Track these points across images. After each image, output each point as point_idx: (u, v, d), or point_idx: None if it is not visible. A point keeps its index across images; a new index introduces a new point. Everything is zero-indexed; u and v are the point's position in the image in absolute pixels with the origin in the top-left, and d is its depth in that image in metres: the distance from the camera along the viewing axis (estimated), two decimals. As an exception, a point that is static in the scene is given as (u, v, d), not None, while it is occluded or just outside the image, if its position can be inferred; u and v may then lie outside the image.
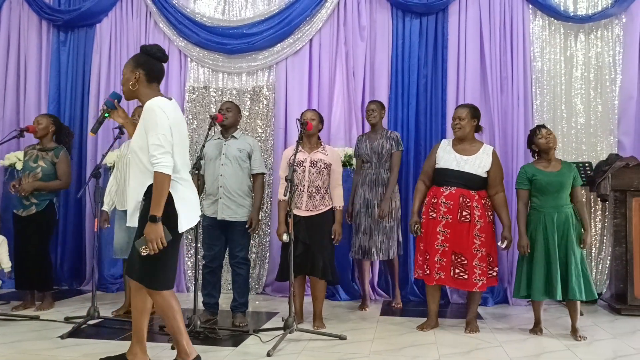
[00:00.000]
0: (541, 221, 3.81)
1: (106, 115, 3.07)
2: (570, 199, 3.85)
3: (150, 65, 2.90)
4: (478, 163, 3.91)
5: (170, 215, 2.73)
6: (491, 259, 3.92)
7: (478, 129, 4.07)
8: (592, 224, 5.05)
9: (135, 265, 2.81)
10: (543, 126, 3.97)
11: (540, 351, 3.46)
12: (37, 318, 4.14)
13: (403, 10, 5.32)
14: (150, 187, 2.73)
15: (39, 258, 4.47)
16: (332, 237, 4.02)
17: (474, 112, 4.01)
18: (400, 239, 4.68)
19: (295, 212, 3.87)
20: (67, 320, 4.07)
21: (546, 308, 4.43)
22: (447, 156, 3.98)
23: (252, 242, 5.38)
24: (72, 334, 3.66)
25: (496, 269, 3.97)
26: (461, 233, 3.84)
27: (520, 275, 3.88)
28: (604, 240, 5.05)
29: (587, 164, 4.93)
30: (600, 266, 5.04)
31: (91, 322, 3.90)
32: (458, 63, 5.19)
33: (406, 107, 5.28)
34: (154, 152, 2.70)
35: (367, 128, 5.26)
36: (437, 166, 4.00)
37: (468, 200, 3.85)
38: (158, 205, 2.67)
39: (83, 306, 4.59)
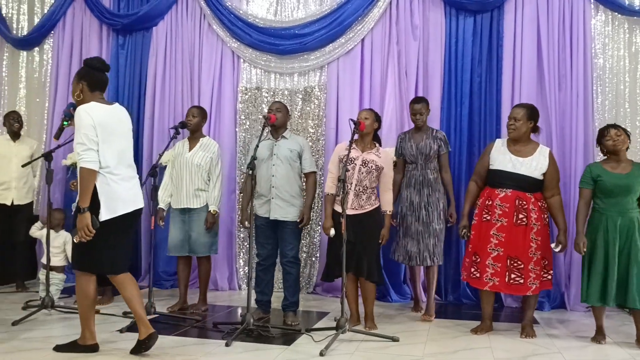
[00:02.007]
0: (602, 224, 3.66)
1: (65, 123, 3.52)
2: (638, 202, 3.68)
3: (90, 77, 3.26)
4: (534, 165, 3.80)
5: (95, 206, 3.07)
6: (546, 262, 3.81)
7: (535, 130, 3.95)
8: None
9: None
10: (613, 126, 3.79)
11: (603, 359, 3.33)
12: (97, 312, 4.26)
13: (457, 8, 5.22)
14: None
15: None
16: (380, 241, 3.99)
17: (531, 113, 3.89)
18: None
19: (340, 209, 3.86)
20: (125, 315, 4.19)
21: (608, 315, 4.25)
22: (501, 157, 3.87)
23: (302, 241, 5.41)
24: (130, 328, 3.76)
25: (551, 272, 3.86)
26: (517, 236, 3.73)
27: (582, 279, 3.75)
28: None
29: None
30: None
31: (148, 317, 3.98)
32: (514, 61, 5.06)
33: (459, 107, 5.18)
34: (77, 150, 3.07)
35: (420, 128, 5.20)
36: (491, 167, 3.91)
37: (524, 202, 3.75)
38: (84, 197, 3.03)
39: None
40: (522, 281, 3.72)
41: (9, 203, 5.32)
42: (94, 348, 3.23)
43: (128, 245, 3.39)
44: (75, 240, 3.07)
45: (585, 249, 3.68)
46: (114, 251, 3.19)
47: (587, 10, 4.98)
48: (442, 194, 4.46)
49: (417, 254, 4.32)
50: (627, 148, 3.76)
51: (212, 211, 4.44)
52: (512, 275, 3.74)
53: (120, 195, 3.17)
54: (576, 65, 4.92)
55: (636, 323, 3.65)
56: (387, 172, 4.06)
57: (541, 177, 3.81)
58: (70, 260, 4.49)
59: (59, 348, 3.23)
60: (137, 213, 3.31)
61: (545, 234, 3.80)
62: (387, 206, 4.04)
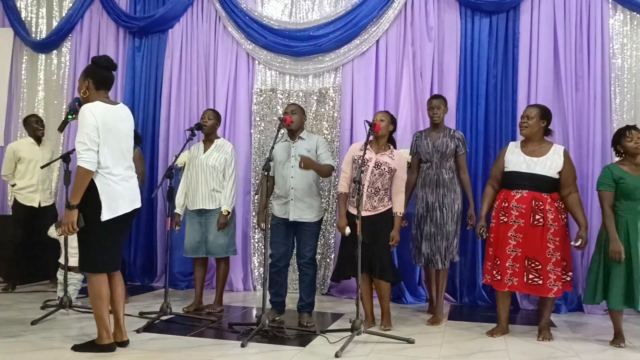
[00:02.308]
0: (623, 227, 3.62)
1: (70, 117, 3.56)
2: None
3: (96, 74, 3.29)
4: (549, 164, 3.77)
5: (95, 206, 3.13)
6: (565, 264, 3.77)
7: (548, 132, 3.92)
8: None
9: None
10: (634, 127, 3.74)
11: (621, 363, 3.29)
12: (112, 312, 4.31)
13: (472, 9, 5.20)
14: (90, 183, 3.13)
15: None
16: (390, 243, 3.97)
17: (544, 113, 3.87)
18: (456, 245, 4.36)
19: (353, 211, 3.85)
20: (142, 315, 4.23)
21: (626, 318, 4.19)
22: (515, 159, 3.86)
23: (317, 242, 5.41)
24: (147, 328, 3.80)
25: (570, 273, 3.83)
26: (534, 237, 3.71)
27: (595, 281, 3.70)
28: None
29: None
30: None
31: (164, 317, 4.04)
32: (530, 62, 5.02)
33: (475, 107, 5.16)
34: (78, 149, 3.11)
35: (436, 129, 5.18)
36: (506, 169, 3.89)
37: (541, 203, 3.72)
38: (75, 195, 3.09)
39: (155, 302, 4.77)
40: (540, 282, 3.69)
41: (36, 205, 5.43)
42: (111, 347, 3.26)
43: (121, 244, 3.45)
44: (57, 233, 3.13)
45: (624, 256, 3.55)
46: (112, 250, 3.28)
47: (605, 9, 4.93)
48: (458, 195, 4.33)
49: (431, 255, 4.27)
50: None
51: (223, 212, 4.46)
52: (530, 276, 3.71)
53: (120, 195, 3.23)
54: (594, 66, 4.87)
55: None
56: (399, 174, 4.05)
57: (557, 176, 3.78)
58: None
59: (76, 348, 3.27)
60: (135, 212, 3.39)
61: (563, 235, 3.76)
62: (399, 208, 4.02)
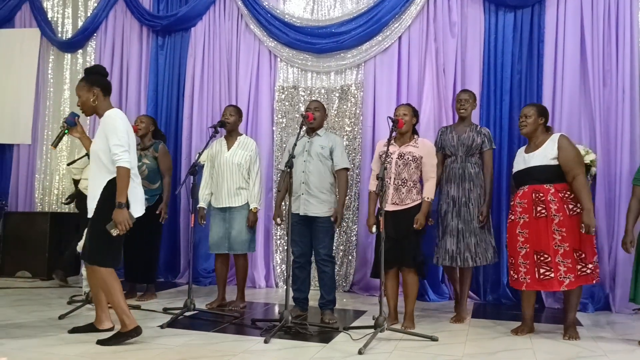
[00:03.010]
0: None
1: (65, 131, 3.61)
2: None
3: (102, 82, 3.46)
4: (543, 153, 3.75)
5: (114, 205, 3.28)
6: (583, 255, 3.63)
7: (547, 129, 3.90)
8: None
9: (86, 248, 3.40)
10: None
11: (651, 363, 3.22)
12: (138, 308, 4.38)
13: (496, 4, 5.14)
14: (108, 183, 3.30)
15: (148, 252, 4.74)
16: (415, 225, 3.86)
17: (541, 111, 3.87)
18: (494, 243, 4.30)
19: (385, 207, 3.83)
20: (166, 311, 4.27)
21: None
22: (517, 160, 3.94)
23: (339, 239, 5.42)
24: (171, 324, 3.83)
25: (590, 265, 3.63)
26: (539, 229, 3.67)
27: (632, 278, 3.64)
28: None
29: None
30: None
31: (188, 313, 4.07)
32: (555, 57, 4.94)
33: (499, 104, 5.09)
34: (116, 151, 3.26)
35: (458, 126, 5.12)
36: (512, 172, 3.98)
37: (542, 194, 3.69)
38: (123, 194, 3.25)
39: (179, 298, 4.81)
40: (552, 275, 3.62)
41: None
42: (137, 330, 3.35)
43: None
44: (113, 234, 3.23)
45: (633, 248, 3.58)
46: (120, 248, 3.49)
47: (635, 2, 4.81)
48: (482, 190, 4.25)
49: (458, 253, 4.15)
50: None
51: (253, 209, 4.49)
52: (542, 270, 3.66)
53: (139, 198, 3.44)
54: (622, 60, 4.77)
55: None
56: (427, 160, 3.98)
57: (554, 163, 3.71)
58: None
59: (103, 342, 3.31)
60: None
61: (573, 225, 3.62)
62: (427, 193, 3.92)
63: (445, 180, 4.31)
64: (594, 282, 3.76)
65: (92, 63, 6.39)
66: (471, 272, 4.34)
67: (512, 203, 3.89)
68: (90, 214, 3.38)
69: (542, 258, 3.67)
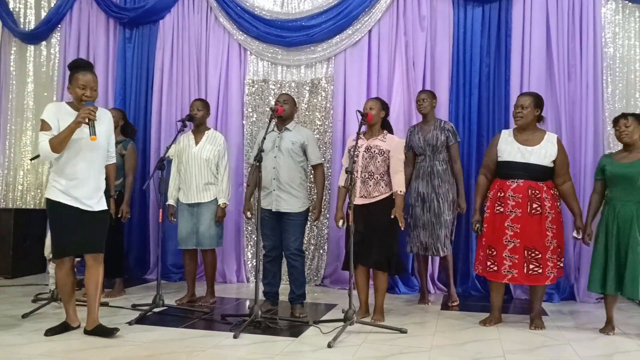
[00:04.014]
0: (609, 213, 3.67)
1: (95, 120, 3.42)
2: None
3: None
4: (544, 153, 3.75)
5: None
6: (560, 250, 3.77)
7: (540, 119, 3.91)
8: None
9: (97, 238, 3.49)
10: (625, 116, 3.70)
11: (613, 351, 3.30)
12: (106, 304, 4.30)
13: (465, -2, 5.19)
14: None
15: (111, 248, 4.64)
16: (392, 217, 3.84)
17: (537, 101, 3.84)
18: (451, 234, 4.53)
19: (355, 201, 3.84)
20: (134, 307, 4.22)
21: (619, 306, 4.22)
22: (509, 148, 3.83)
23: (311, 233, 5.42)
24: (139, 320, 3.78)
25: (564, 259, 3.85)
26: (533, 226, 3.69)
27: (599, 268, 3.73)
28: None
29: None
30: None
31: (156, 309, 4.02)
32: (522, 51, 5.01)
33: (468, 97, 5.15)
34: (113, 149, 3.65)
35: (427, 119, 5.17)
36: (499, 159, 3.86)
37: (537, 191, 3.71)
38: (112, 188, 3.75)
39: (148, 294, 4.75)
40: (540, 271, 3.68)
41: None
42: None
43: None
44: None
45: (590, 241, 3.71)
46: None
47: (597, -2, 4.92)
48: (452, 185, 4.49)
49: (432, 244, 4.41)
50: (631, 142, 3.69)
51: (221, 205, 4.45)
52: (531, 266, 3.70)
53: None
54: (586, 55, 4.87)
55: None
56: (394, 154, 3.96)
57: (551, 165, 3.77)
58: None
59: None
60: None
61: (560, 222, 3.76)
62: (397, 186, 3.91)
63: (414, 176, 4.52)
64: (563, 275, 3.96)
65: (57, 55, 6.25)
66: (451, 259, 4.58)
67: (501, 195, 3.78)
68: (94, 203, 3.43)
69: (532, 254, 3.70)
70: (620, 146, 3.85)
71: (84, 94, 3.34)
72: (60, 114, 3.35)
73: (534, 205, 3.70)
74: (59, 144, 3.27)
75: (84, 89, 3.34)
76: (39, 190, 6.29)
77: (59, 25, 6.23)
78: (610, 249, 3.61)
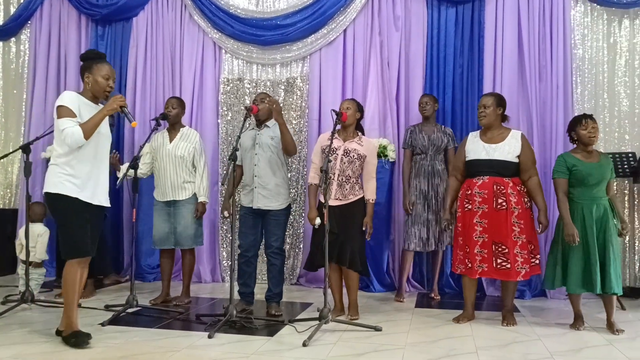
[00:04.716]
0: (579, 213, 3.72)
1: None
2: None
3: None
4: (507, 149, 3.84)
5: None
6: (533, 247, 3.83)
7: (504, 118, 3.99)
8: (635, 216, 4.90)
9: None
10: (590, 117, 3.80)
11: (582, 345, 3.38)
12: (78, 305, 4.21)
13: (438, -1, 5.24)
14: None
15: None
16: (364, 229, 3.97)
17: (499, 101, 3.94)
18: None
19: (324, 200, 3.86)
20: (107, 308, 4.16)
21: (587, 302, 4.32)
22: (475, 147, 3.93)
23: (286, 232, 5.41)
24: (112, 321, 3.74)
25: (538, 256, 3.87)
26: (499, 221, 3.77)
27: (554, 265, 3.80)
28: (649, 233, 4.90)
29: (630, 155, 4.78)
30: (643, 259, 4.89)
31: (130, 310, 3.98)
32: (495, 52, 5.09)
33: (442, 97, 5.21)
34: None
35: (402, 119, 5.24)
36: (467, 159, 3.95)
37: (502, 187, 3.78)
38: None
39: (122, 295, 4.70)
40: (509, 266, 3.75)
41: None
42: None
43: None
44: None
45: (578, 239, 3.65)
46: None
47: (567, 1, 5.01)
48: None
49: (432, 241, 4.64)
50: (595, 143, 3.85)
51: (202, 202, 4.44)
52: (499, 260, 3.77)
53: None
54: (556, 56, 4.97)
55: (607, 309, 3.73)
56: (370, 160, 4.04)
57: (516, 160, 3.84)
58: (40, 256, 4.49)
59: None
60: None
61: (528, 218, 3.82)
62: (370, 195, 4.01)
63: (415, 175, 4.74)
64: (540, 272, 3.98)
65: (27, 52, 6.13)
66: (442, 254, 4.87)
67: (468, 192, 3.87)
68: (105, 200, 3.39)
69: (500, 249, 3.77)
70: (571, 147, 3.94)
71: (109, 84, 3.29)
72: (80, 103, 3.23)
73: (499, 201, 3.77)
74: (90, 130, 3.16)
75: (108, 79, 3.28)
76: (8, 190, 6.16)
77: (29, 22, 6.12)
78: (593, 248, 3.64)
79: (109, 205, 3.45)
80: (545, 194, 4.84)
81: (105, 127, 3.35)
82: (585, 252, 3.68)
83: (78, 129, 3.12)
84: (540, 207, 3.85)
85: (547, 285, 3.91)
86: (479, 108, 3.95)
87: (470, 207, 3.85)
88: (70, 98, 3.21)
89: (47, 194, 3.23)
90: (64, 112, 3.15)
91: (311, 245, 4.14)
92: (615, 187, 3.77)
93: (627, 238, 4.86)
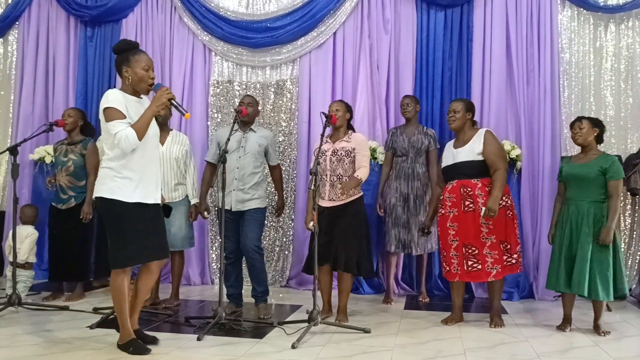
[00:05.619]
0: (572, 214, 3.77)
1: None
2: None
3: None
4: (470, 149, 3.88)
5: None
6: (508, 246, 3.82)
7: (474, 123, 4.04)
8: (622, 218, 4.96)
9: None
10: (580, 119, 3.84)
11: (568, 346, 3.42)
12: (66, 308, 4.22)
13: (428, 2, 5.27)
14: None
15: (78, 250, 4.56)
16: (338, 188, 3.89)
17: (469, 106, 4.00)
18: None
19: (319, 202, 3.87)
20: (96, 311, 4.14)
21: (575, 304, 4.35)
22: (447, 154, 4.02)
23: (276, 235, 5.42)
24: (101, 324, 3.71)
25: (515, 256, 3.83)
26: (467, 223, 3.82)
27: (557, 267, 3.83)
28: (634, 235, 4.95)
29: (617, 158, 4.82)
30: (630, 261, 4.94)
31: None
32: (483, 56, 5.13)
33: (431, 100, 5.24)
34: None
35: (391, 121, 5.25)
36: (442, 167, 4.06)
37: (469, 189, 3.83)
38: None
39: (110, 297, 4.66)
40: (479, 267, 3.79)
41: None
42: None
43: None
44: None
45: (550, 241, 3.84)
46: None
47: (554, 5, 5.07)
48: (429, 188, 4.67)
49: (409, 243, 4.62)
50: (599, 137, 3.84)
51: (195, 203, 4.45)
52: (470, 262, 3.82)
53: None
54: (544, 60, 5.01)
55: (595, 310, 3.75)
56: (359, 150, 4.00)
57: (480, 158, 3.84)
58: (24, 257, 4.45)
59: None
60: None
61: (498, 217, 3.77)
62: (359, 174, 3.88)
63: (395, 176, 4.72)
64: (518, 271, 3.96)
65: (14, 53, 6.09)
66: (426, 257, 4.84)
67: (441, 198, 4.00)
68: (159, 197, 3.23)
69: (469, 251, 3.82)
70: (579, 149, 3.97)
71: (150, 75, 3.10)
72: (127, 101, 3.05)
73: (467, 203, 3.82)
74: (143, 131, 2.99)
75: (147, 70, 3.08)
76: (-2, 192, 6.12)
77: (17, 23, 6.08)
78: (566, 249, 3.72)
79: (166, 200, 3.28)
80: (534, 196, 4.92)
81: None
82: (559, 253, 3.76)
83: (131, 131, 2.95)
84: (492, 193, 3.74)
85: (547, 285, 3.91)
86: (449, 113, 3.99)
87: (443, 212, 3.95)
88: (115, 97, 3.01)
89: (101, 199, 3.04)
90: (113, 114, 2.98)
91: (309, 248, 4.13)
92: (616, 189, 3.66)
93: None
